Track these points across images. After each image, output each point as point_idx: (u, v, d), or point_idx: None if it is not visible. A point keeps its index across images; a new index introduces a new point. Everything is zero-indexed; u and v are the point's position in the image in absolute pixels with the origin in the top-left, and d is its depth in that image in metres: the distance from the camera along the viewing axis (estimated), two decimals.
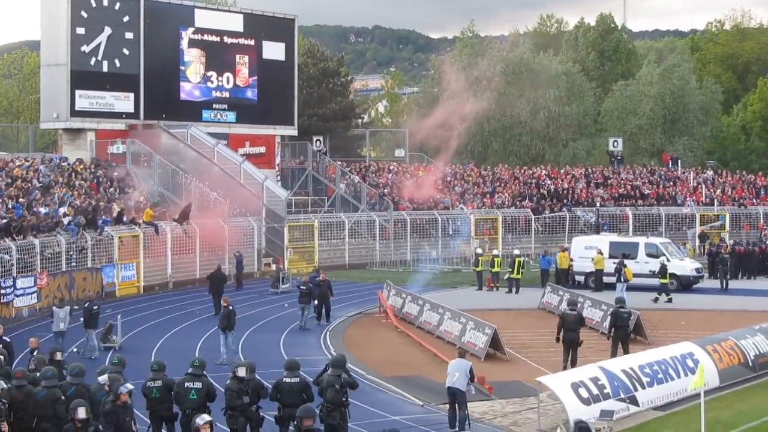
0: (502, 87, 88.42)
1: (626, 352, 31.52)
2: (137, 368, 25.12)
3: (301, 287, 40.03)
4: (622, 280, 44.94)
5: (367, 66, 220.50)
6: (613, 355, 31.37)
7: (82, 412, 17.34)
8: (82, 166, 54.97)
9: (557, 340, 31.50)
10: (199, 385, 20.66)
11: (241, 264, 51.60)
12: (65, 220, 45.45)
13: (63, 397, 19.31)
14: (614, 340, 32.51)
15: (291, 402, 20.65)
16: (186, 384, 20.70)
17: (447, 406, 24.67)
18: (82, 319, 34.11)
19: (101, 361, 28.39)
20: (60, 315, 33.42)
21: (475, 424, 23.96)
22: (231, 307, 33.51)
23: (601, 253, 49.45)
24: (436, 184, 69.39)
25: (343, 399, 20.94)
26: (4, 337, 26.13)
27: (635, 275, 46.41)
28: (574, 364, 30.23)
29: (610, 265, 47.59)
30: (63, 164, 54.57)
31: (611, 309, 34.28)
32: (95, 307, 34.02)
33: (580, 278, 50.80)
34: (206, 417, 17.35)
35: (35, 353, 24.69)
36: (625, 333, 32.47)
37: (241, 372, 21.06)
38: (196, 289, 48.49)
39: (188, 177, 56.35)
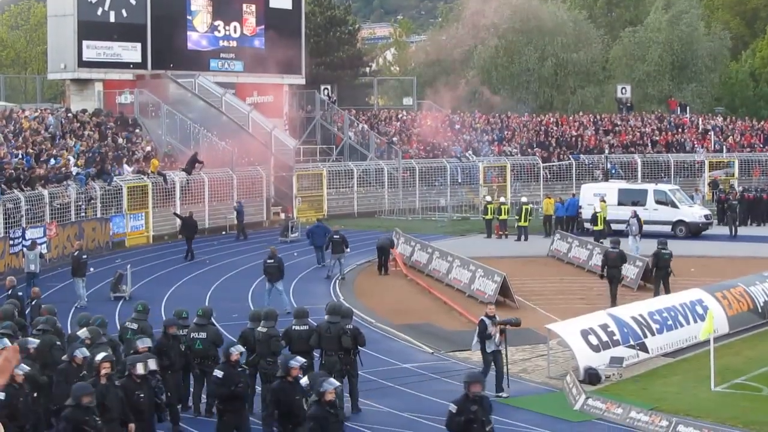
0: (510, 34, 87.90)
1: (667, 291, 32.55)
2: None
3: (335, 236, 38.87)
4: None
5: (374, 14, 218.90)
6: (656, 294, 32.63)
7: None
8: (90, 116, 54.89)
9: (601, 276, 33.89)
10: (204, 334, 20.84)
11: (242, 215, 51.12)
12: (74, 170, 45.49)
13: (59, 343, 19.56)
14: (656, 280, 33.95)
15: (300, 349, 20.73)
16: (192, 334, 20.91)
17: (457, 353, 24.94)
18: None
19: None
20: (30, 257, 34.00)
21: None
22: (271, 261, 33.11)
23: (604, 201, 49.25)
24: (444, 132, 69.26)
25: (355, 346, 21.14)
26: (18, 292, 26.28)
27: (645, 222, 46.28)
28: (614, 300, 32.30)
29: (616, 213, 47.93)
30: (70, 115, 54.51)
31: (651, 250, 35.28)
32: (84, 256, 34.21)
33: (589, 225, 50.78)
34: (300, 359, 17.90)
35: (35, 302, 25.14)
36: (665, 273, 33.58)
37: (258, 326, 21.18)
38: (204, 239, 48.51)
39: (196, 127, 56.28)
